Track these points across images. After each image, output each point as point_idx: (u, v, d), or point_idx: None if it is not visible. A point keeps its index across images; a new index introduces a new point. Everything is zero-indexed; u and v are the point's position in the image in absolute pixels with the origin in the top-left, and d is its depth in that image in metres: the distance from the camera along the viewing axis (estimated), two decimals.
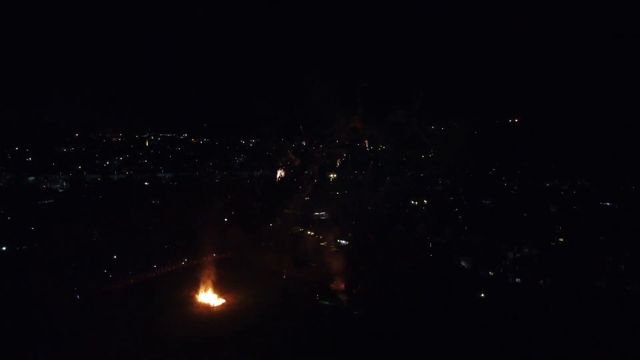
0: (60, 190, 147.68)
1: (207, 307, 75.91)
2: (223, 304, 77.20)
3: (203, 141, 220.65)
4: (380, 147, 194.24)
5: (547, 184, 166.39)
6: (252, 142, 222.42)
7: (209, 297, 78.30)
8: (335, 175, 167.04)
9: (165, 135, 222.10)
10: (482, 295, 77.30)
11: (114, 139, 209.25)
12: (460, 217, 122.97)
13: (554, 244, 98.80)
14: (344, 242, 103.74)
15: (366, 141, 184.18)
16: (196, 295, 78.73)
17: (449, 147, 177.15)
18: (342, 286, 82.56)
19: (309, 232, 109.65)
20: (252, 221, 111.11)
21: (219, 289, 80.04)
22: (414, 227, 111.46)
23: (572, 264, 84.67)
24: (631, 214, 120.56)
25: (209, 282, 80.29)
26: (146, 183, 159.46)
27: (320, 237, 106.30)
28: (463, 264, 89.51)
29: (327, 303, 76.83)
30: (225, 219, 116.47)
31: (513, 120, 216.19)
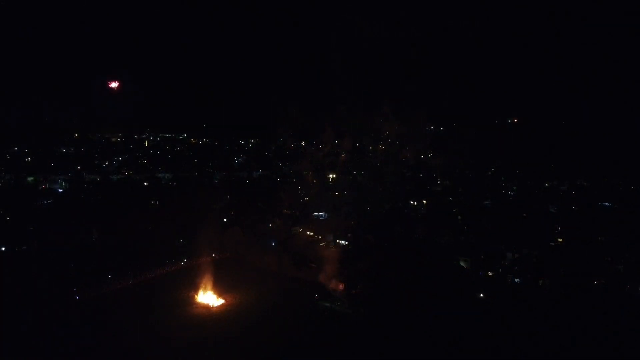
0: (60, 191, 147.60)
1: (207, 308, 75.93)
2: (222, 304, 77.20)
3: (203, 141, 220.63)
4: (380, 147, 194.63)
5: (547, 184, 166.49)
6: (251, 142, 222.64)
7: (208, 297, 78.30)
8: (335, 175, 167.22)
9: (165, 135, 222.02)
10: (482, 295, 77.36)
11: (114, 139, 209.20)
12: (459, 217, 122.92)
13: (553, 244, 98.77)
14: (343, 242, 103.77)
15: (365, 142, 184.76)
16: (196, 296, 78.73)
17: (448, 147, 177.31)
18: (342, 287, 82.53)
19: (308, 233, 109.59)
20: (251, 221, 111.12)
21: (219, 289, 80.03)
22: (414, 227, 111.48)
23: (572, 264, 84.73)
24: (631, 214, 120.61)
25: (209, 283, 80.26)
26: (145, 183, 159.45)
27: (320, 238, 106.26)
28: (462, 264, 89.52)
29: (327, 304, 76.81)
30: (225, 219, 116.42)
31: (512, 120, 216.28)
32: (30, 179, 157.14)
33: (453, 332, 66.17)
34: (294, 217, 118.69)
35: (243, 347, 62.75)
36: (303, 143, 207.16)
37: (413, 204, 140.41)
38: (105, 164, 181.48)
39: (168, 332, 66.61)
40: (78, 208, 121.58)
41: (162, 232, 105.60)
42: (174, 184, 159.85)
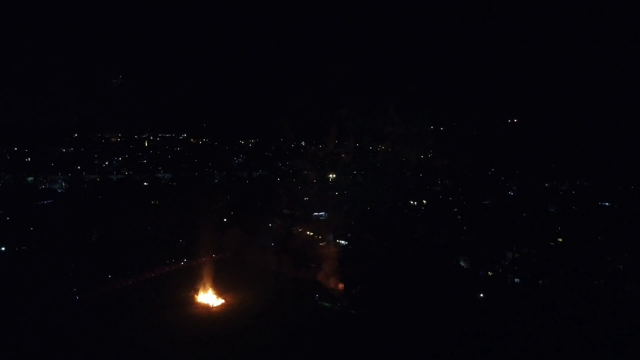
0: (60, 191, 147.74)
1: (207, 308, 75.96)
2: (222, 304, 77.24)
3: (202, 141, 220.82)
4: (379, 147, 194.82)
5: (547, 184, 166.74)
6: (251, 142, 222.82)
7: (208, 297, 78.33)
8: (335, 175, 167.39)
9: (165, 135, 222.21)
10: (482, 295, 77.38)
11: (114, 139, 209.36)
12: (459, 217, 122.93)
13: (553, 244, 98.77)
14: (343, 242, 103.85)
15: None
16: (196, 296, 78.77)
17: (448, 147, 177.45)
18: (341, 287, 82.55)
19: (308, 232, 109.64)
20: (251, 221, 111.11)
21: (219, 289, 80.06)
22: (414, 227, 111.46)
23: (571, 264, 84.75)
24: (630, 214, 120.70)
25: (209, 283, 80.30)
26: (145, 183, 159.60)
27: (320, 237, 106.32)
28: (463, 264, 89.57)
29: (326, 304, 76.82)
30: (225, 219, 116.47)
31: (512, 120, 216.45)
32: (30, 179, 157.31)
33: (453, 332, 66.16)
34: (294, 217, 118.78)
35: (243, 347, 62.74)
36: (303, 143, 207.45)
37: (413, 204, 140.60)
38: (105, 164, 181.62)
39: (168, 332, 66.53)
40: (78, 208, 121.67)
41: (162, 232, 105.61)
42: (174, 184, 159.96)
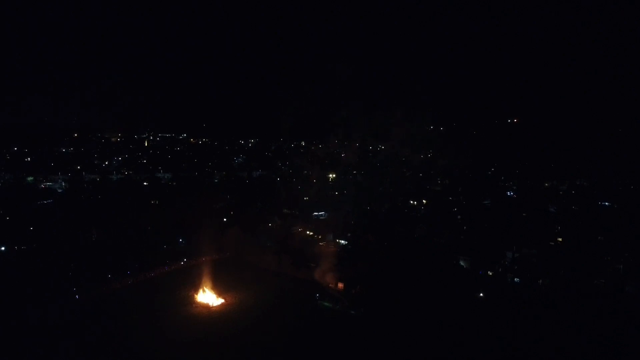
0: (60, 191, 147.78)
1: (207, 307, 76.01)
2: (222, 304, 77.30)
3: (202, 141, 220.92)
4: (380, 147, 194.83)
5: (546, 184, 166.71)
6: (251, 142, 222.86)
7: (208, 297, 78.40)
8: (335, 175, 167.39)
9: (165, 135, 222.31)
10: (482, 294, 77.38)
11: (114, 139, 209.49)
12: (459, 217, 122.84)
13: (553, 244, 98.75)
14: (343, 242, 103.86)
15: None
16: (195, 295, 78.82)
17: (448, 147, 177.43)
18: (341, 286, 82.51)
19: (308, 232, 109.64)
20: (251, 221, 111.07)
21: (218, 289, 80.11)
22: (414, 227, 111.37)
23: (571, 264, 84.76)
24: (630, 214, 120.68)
25: (209, 282, 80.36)
26: (145, 183, 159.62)
27: (320, 237, 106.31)
28: (463, 264, 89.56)
29: (326, 304, 76.82)
30: (225, 219, 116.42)
31: (512, 120, 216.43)
32: (30, 179, 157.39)
33: (453, 332, 66.16)
34: (293, 217, 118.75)
35: (243, 347, 62.77)
36: (303, 143, 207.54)
37: (413, 204, 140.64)
38: (105, 164, 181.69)
39: (168, 331, 66.55)
40: (78, 208, 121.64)
41: (162, 232, 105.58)
42: (174, 184, 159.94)
